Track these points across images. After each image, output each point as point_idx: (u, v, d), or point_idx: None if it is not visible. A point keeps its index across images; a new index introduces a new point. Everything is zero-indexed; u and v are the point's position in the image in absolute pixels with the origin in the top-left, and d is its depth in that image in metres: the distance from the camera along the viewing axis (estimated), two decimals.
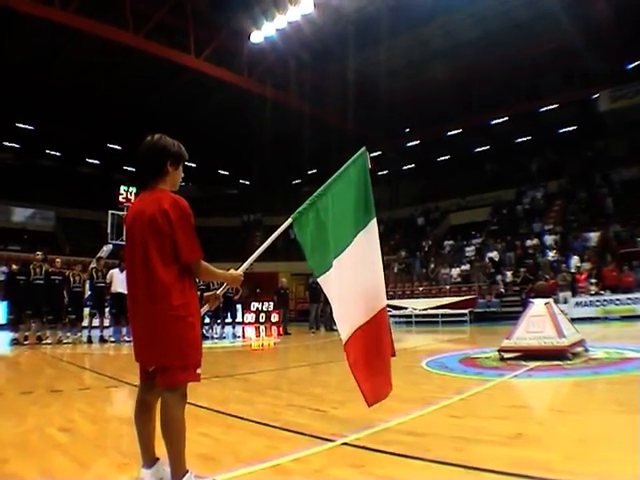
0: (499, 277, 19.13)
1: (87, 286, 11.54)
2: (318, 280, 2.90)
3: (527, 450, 2.37)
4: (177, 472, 1.89)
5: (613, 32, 17.96)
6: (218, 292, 2.37)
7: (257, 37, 19.34)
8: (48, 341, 10.73)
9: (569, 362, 5.12)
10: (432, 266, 22.15)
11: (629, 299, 14.56)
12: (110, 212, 19.33)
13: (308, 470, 2.21)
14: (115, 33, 16.87)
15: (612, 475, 2.02)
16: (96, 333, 11.19)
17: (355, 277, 2.92)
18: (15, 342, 10.38)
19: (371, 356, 2.83)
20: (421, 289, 20.86)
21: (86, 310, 11.68)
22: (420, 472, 2.16)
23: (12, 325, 10.82)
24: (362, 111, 23.38)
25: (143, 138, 2.12)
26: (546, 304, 5.81)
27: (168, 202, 1.96)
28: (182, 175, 2.19)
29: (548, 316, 5.60)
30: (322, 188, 2.95)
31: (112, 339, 11.03)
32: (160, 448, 1.97)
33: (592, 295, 15.40)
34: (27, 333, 10.60)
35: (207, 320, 12.35)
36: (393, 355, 3.00)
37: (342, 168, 3.06)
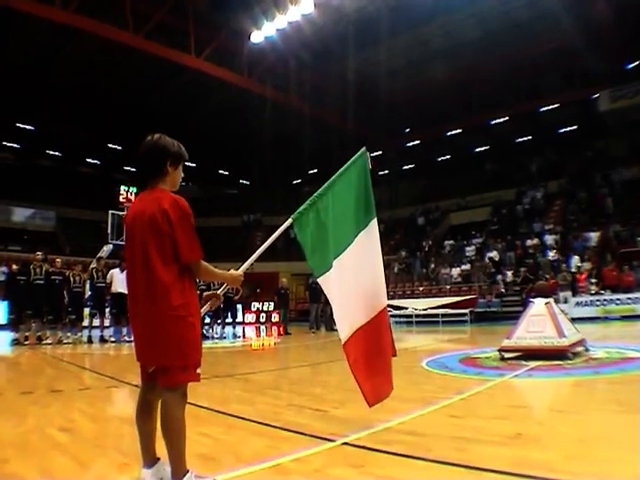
0: (499, 277, 19.13)
1: (87, 286, 11.54)
2: (318, 280, 2.88)
3: (527, 450, 2.37)
4: (177, 472, 1.89)
5: (613, 32, 17.96)
6: (218, 292, 2.37)
7: (257, 37, 19.32)
8: (48, 341, 10.72)
9: (569, 362, 5.12)
10: (432, 266, 22.13)
11: (629, 299, 14.57)
12: (110, 212, 19.36)
13: (308, 470, 2.21)
14: (115, 33, 16.87)
15: (612, 475, 2.02)
16: (96, 333, 11.20)
17: (355, 277, 2.91)
18: (15, 342, 10.38)
19: (372, 356, 2.82)
20: (421, 289, 20.84)
21: (86, 310, 11.68)
22: (421, 472, 2.16)
23: (12, 325, 10.83)
24: (362, 111, 23.36)
25: (143, 138, 2.12)
26: (546, 304, 5.81)
27: (168, 202, 1.96)
28: (182, 175, 2.18)
29: (548, 316, 5.60)
30: (322, 188, 2.94)
31: (112, 339, 11.04)
32: (160, 448, 1.97)
33: (592, 295, 15.42)
34: (27, 333, 10.60)
35: (207, 320, 12.35)
36: (394, 355, 3.00)
37: (342, 168, 3.06)
